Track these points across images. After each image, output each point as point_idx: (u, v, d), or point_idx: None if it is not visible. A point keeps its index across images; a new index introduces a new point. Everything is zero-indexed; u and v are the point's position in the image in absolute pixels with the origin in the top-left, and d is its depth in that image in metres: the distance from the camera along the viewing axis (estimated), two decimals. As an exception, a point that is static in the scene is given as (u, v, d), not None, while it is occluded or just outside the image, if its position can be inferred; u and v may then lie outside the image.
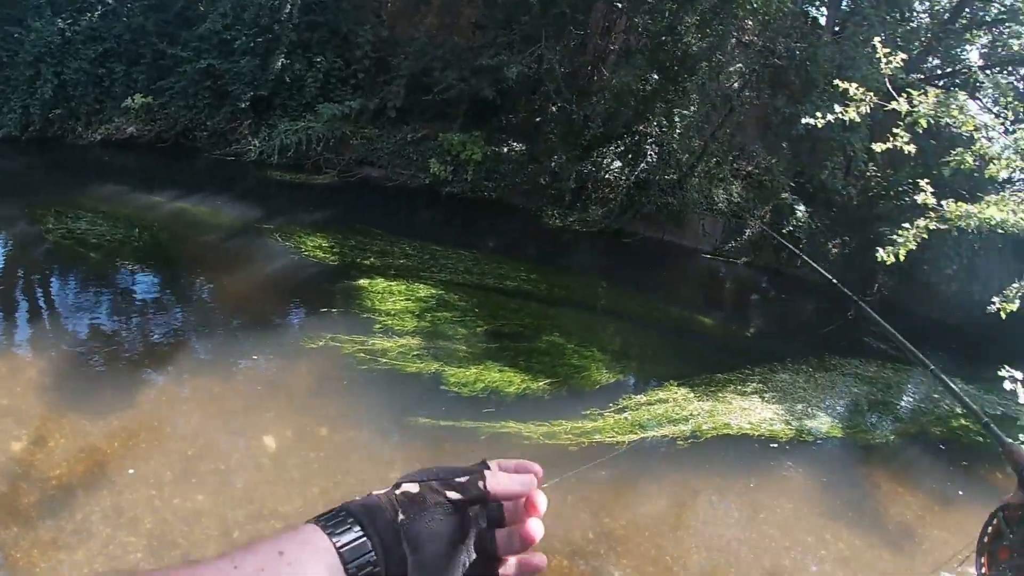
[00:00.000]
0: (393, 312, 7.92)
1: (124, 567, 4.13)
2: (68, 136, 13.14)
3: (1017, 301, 5.15)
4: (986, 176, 5.05)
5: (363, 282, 8.52)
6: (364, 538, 0.70)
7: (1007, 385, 4.53)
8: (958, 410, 9.68)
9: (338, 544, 0.68)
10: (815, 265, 3.42)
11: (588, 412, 6.90)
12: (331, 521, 0.71)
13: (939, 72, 16.20)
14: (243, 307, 7.61)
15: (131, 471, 4.79)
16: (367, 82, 14.10)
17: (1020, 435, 5.05)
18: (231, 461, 5.08)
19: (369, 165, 13.81)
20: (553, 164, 14.26)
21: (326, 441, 5.57)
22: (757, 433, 7.29)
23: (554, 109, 14.72)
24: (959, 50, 15.76)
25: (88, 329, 6.81)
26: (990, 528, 1.30)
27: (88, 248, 8.49)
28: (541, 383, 7.30)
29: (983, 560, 1.27)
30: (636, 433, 6.80)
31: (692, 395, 7.72)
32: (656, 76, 14.27)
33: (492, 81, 13.46)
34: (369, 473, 5.33)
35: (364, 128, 13.87)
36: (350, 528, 0.70)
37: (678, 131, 14.77)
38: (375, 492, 0.76)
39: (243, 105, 13.29)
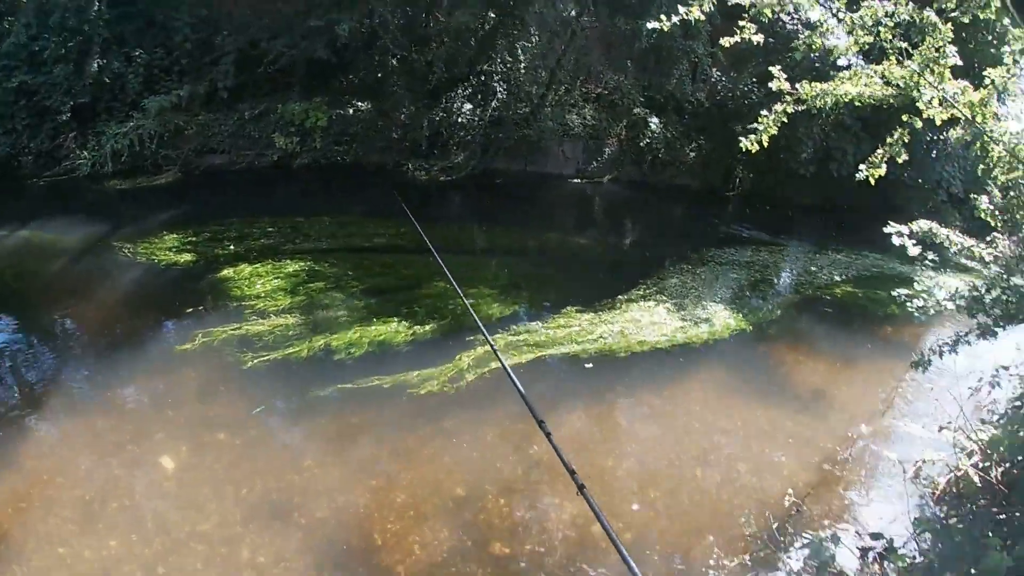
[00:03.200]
0: (264, 294, 7.53)
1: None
2: None
3: (884, 166, 5.40)
4: (829, 61, 5.21)
5: (227, 272, 8.03)
6: None
7: (896, 240, 4.77)
8: (836, 277, 10.29)
9: None
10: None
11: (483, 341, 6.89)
12: None
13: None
14: (108, 330, 6.98)
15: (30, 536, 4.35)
16: (192, 67, 13.06)
17: (901, 289, 5.36)
18: (134, 495, 4.66)
19: (211, 153, 12.95)
20: (403, 116, 13.94)
21: (226, 446, 5.22)
22: (672, 344, 7.48)
23: (395, 61, 14.33)
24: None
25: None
26: None
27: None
28: (430, 327, 7.26)
29: None
30: (534, 352, 6.91)
31: (598, 319, 7.81)
32: (493, 14, 14.11)
33: (326, 42, 12.82)
34: (280, 466, 5.08)
35: (198, 116, 12.92)
36: None
37: (523, 64, 14.79)
38: None
39: (64, 117, 12.04)
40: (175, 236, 8.98)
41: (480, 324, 5.10)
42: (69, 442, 5.18)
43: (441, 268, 6.48)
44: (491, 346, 4.33)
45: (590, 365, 6.88)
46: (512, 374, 4.16)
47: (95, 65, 12.35)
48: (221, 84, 12.77)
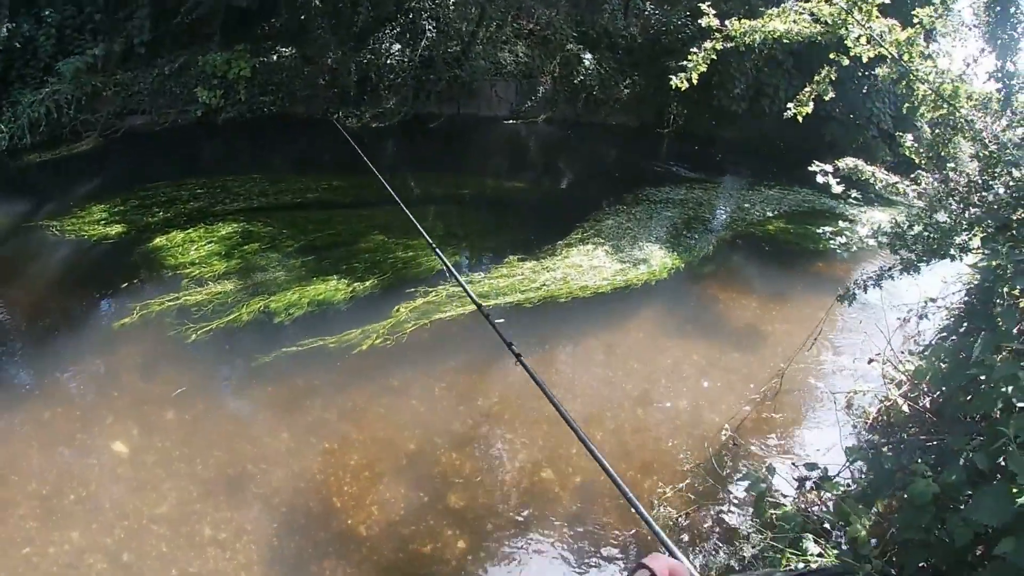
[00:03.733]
0: (199, 260, 7.32)
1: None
2: None
3: (811, 104, 5.50)
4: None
5: (159, 240, 7.74)
6: None
7: (820, 178, 4.90)
8: (769, 213, 10.51)
9: None
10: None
11: (429, 291, 7.00)
12: None
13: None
14: (43, 314, 6.63)
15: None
16: (106, 24, 12.17)
17: (826, 227, 5.52)
18: (89, 485, 4.57)
19: (131, 114, 12.19)
20: (329, 61, 13.49)
21: (175, 424, 5.12)
22: (613, 287, 7.61)
23: (318, 2, 13.79)
24: None
25: None
26: None
27: None
28: (369, 282, 7.22)
29: None
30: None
31: (539, 266, 7.88)
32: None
33: (244, -15, 12.24)
34: (232, 438, 5.04)
35: (115, 75, 12.14)
36: None
37: (452, 0, 14.40)
38: None
39: (-25, 89, 11.21)
40: (102, 207, 8.57)
41: (445, 261, 4.93)
42: (16, 437, 5.00)
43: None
44: (458, 281, 4.31)
45: (502, 320, 6.93)
46: (468, 289, 4.16)
47: (4, 30, 11.37)
48: (137, 39, 12.01)
